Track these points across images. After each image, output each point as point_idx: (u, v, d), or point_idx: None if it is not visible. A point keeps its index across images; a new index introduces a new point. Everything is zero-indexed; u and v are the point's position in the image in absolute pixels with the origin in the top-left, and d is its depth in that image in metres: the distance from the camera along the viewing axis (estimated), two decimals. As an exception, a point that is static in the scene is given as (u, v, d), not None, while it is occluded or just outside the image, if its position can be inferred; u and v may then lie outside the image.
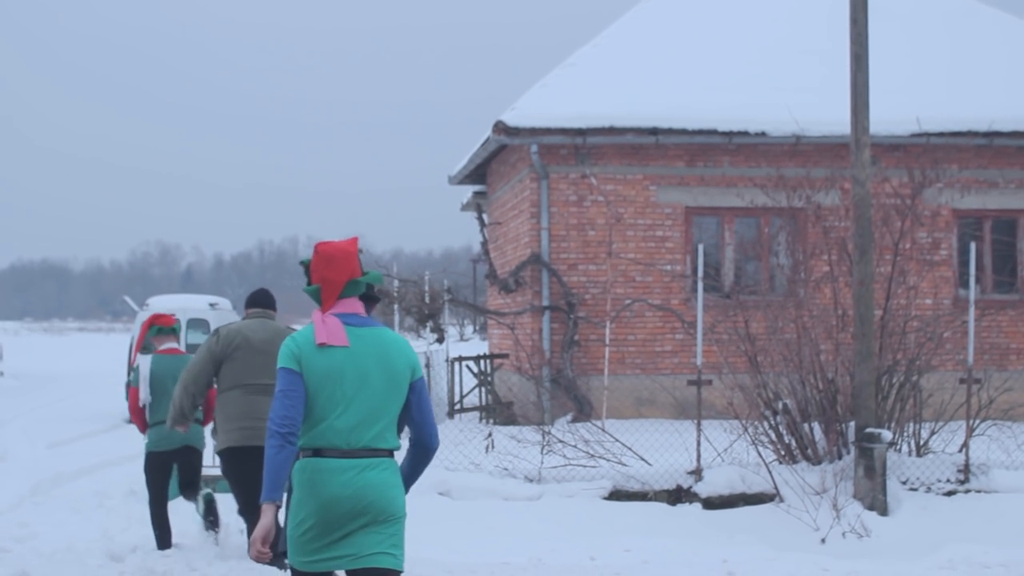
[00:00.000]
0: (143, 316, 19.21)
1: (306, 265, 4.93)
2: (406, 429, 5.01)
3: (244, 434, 7.78)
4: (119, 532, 9.44)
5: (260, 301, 8.33)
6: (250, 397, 7.83)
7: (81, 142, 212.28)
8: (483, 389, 16.74)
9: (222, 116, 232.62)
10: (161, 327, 9.03)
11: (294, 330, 7.36)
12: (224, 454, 7.93)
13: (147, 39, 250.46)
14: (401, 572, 4.74)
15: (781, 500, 10.21)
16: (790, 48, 17.61)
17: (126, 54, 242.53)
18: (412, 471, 4.99)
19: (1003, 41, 18.48)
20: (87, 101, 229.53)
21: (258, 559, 4.64)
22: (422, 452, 4.95)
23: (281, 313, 7.83)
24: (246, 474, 7.71)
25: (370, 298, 5.94)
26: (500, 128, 15.73)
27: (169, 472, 8.80)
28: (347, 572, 4.71)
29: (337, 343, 4.74)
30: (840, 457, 10.63)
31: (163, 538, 8.70)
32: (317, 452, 4.71)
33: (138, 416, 8.83)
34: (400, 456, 4.90)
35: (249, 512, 7.77)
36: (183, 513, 9.35)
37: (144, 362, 8.78)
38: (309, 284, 4.91)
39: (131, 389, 9.04)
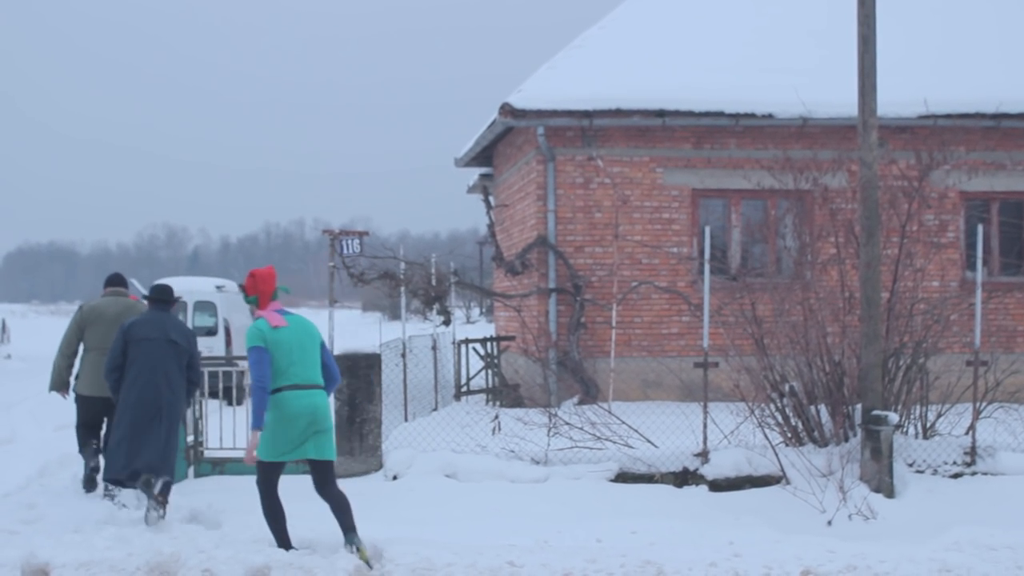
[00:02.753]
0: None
1: (243, 285, 8.17)
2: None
3: (96, 388, 9.98)
4: (126, 513, 9.46)
5: (115, 282, 10.80)
6: (103, 359, 9.64)
7: (87, 124, 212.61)
8: (489, 371, 16.74)
9: (227, 99, 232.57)
10: None
11: (144, 304, 10.18)
12: (79, 399, 10.28)
13: (153, 20, 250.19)
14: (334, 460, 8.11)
15: (787, 482, 10.22)
16: (795, 29, 17.55)
17: (133, 35, 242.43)
18: (329, 393, 8.18)
19: (997, 21, 18.38)
20: (93, 83, 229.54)
21: (248, 463, 7.88)
22: (332, 381, 8.26)
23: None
24: (92, 415, 10.26)
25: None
26: (507, 110, 15.69)
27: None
28: (307, 461, 7.97)
29: (282, 325, 7.98)
30: (846, 439, 10.63)
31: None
32: (284, 388, 7.84)
33: None
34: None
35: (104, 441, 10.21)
36: (195, 493, 9.36)
37: None
38: (247, 296, 8.16)
39: None
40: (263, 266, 8.35)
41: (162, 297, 9.68)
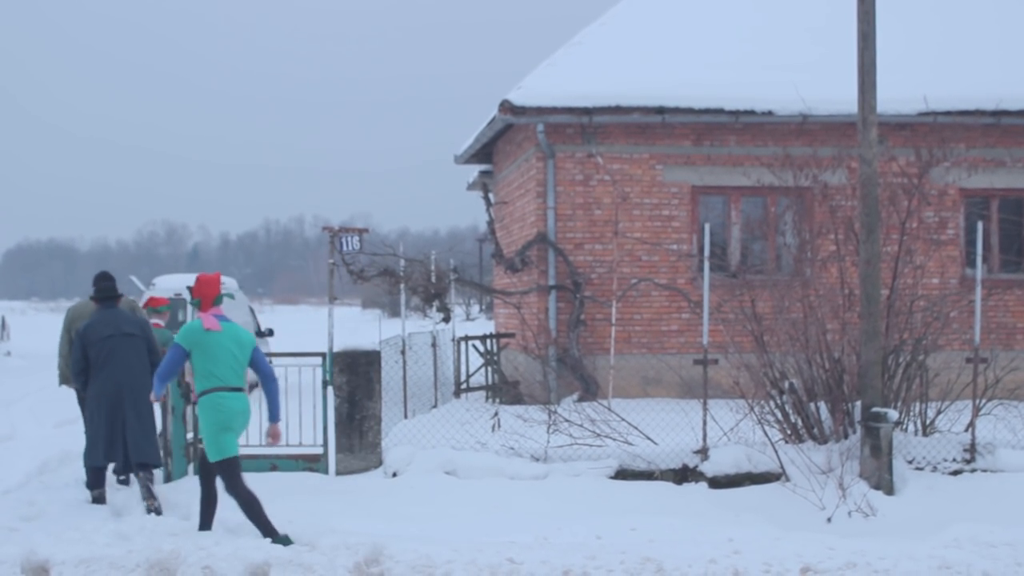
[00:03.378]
0: (149, 296, 19.28)
1: (191, 288, 8.71)
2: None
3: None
4: (126, 511, 9.47)
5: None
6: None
7: (87, 120, 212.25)
8: (489, 369, 16.74)
9: (227, 95, 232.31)
10: (151, 308, 11.82)
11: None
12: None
13: (153, 16, 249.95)
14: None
15: (787, 479, 10.22)
16: (795, 26, 17.55)
17: (132, 31, 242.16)
18: (272, 395, 8.60)
19: (996, 18, 18.37)
20: (93, 79, 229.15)
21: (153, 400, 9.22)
22: (269, 381, 8.57)
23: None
24: None
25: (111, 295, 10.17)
26: (506, 107, 15.69)
27: None
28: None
29: (214, 329, 8.46)
30: (846, 436, 10.64)
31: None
32: (218, 390, 8.32)
33: None
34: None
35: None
36: (195, 491, 9.37)
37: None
38: (192, 299, 8.66)
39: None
40: (212, 272, 9.06)
41: (107, 295, 10.20)
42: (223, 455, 8.28)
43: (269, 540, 8.10)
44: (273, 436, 8.61)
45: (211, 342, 8.39)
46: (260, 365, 8.59)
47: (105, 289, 10.21)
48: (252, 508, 8.31)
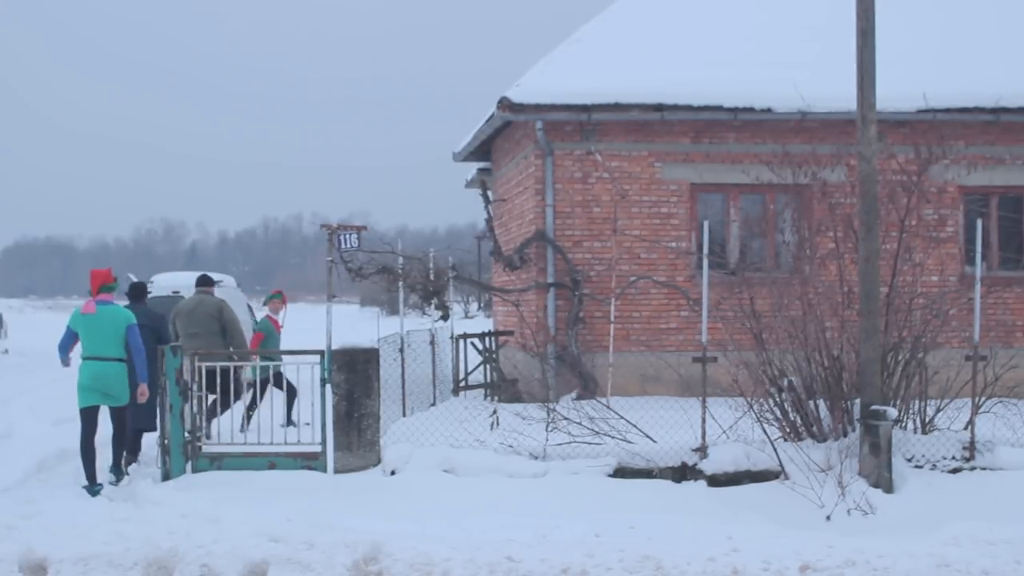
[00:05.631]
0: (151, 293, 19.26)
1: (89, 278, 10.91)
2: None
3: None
4: (124, 509, 9.46)
5: (202, 282, 14.21)
6: (184, 343, 12.17)
7: (85, 116, 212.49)
8: (488, 366, 16.72)
9: (227, 91, 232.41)
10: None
11: (219, 299, 14.07)
12: None
13: (152, 11, 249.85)
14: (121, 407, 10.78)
15: (786, 477, 10.21)
16: (793, 23, 17.53)
17: (132, 26, 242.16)
18: (140, 364, 10.76)
19: (997, 15, 18.36)
20: (91, 74, 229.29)
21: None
22: (136, 353, 10.70)
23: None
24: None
25: (140, 294, 12.48)
26: (505, 105, 15.67)
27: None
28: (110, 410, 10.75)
29: (90, 312, 10.69)
30: (845, 434, 10.63)
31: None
32: (87, 359, 10.59)
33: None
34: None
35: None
36: (193, 488, 9.35)
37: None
38: (89, 289, 10.89)
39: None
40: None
41: (135, 293, 12.43)
42: (80, 406, 10.65)
43: (86, 484, 10.38)
44: (141, 394, 10.84)
45: (84, 322, 10.71)
46: (131, 342, 10.73)
47: (135, 288, 12.55)
48: (87, 456, 10.48)
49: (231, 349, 13.23)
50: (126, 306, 11.62)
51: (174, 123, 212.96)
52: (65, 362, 10.97)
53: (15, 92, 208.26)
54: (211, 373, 11.55)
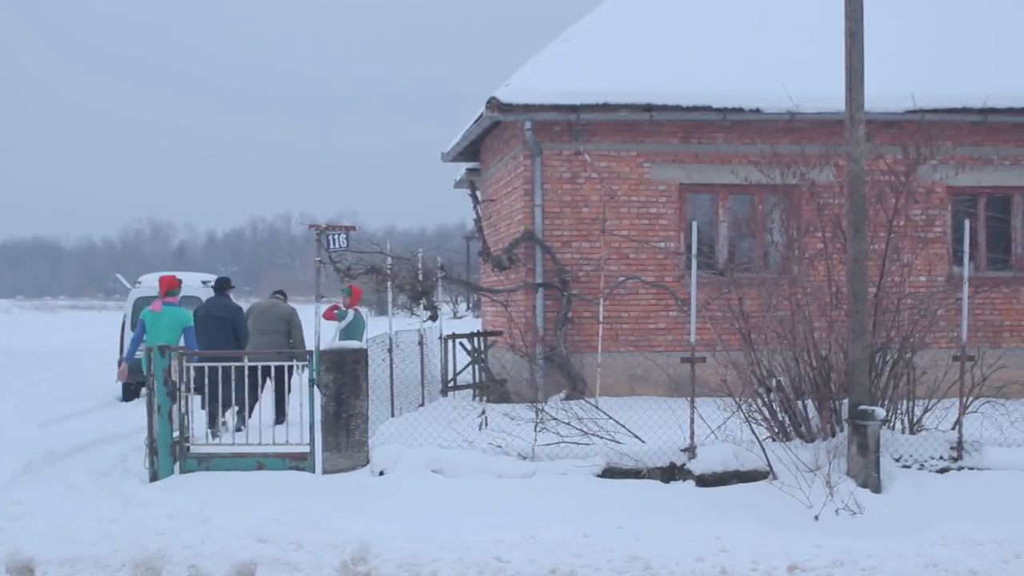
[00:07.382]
0: (136, 294, 19.22)
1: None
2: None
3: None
4: (112, 510, 9.43)
5: (221, 285, 14.88)
6: (255, 338, 14.56)
7: (71, 109, 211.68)
8: (476, 367, 16.70)
9: (215, 88, 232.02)
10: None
11: (290, 305, 15.59)
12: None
13: (137, 5, 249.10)
14: None
15: (774, 477, 10.22)
16: (783, 23, 17.57)
17: (121, 21, 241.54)
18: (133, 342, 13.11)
19: (991, 14, 18.41)
20: (79, 67, 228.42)
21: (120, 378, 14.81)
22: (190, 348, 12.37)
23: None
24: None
25: (224, 287, 14.70)
26: (493, 105, 15.66)
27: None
28: None
29: (156, 311, 12.59)
30: (833, 434, 10.64)
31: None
32: (150, 350, 11.06)
33: None
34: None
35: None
36: (181, 489, 9.32)
37: None
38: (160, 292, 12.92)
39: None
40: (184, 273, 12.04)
41: (220, 286, 14.75)
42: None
43: None
44: (121, 374, 13.68)
45: (153, 320, 12.61)
46: (185, 339, 12.54)
47: (219, 282, 14.89)
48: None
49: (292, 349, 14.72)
50: (209, 298, 14.66)
51: (161, 118, 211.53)
52: (132, 359, 13.17)
53: (4, 84, 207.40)
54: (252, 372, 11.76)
